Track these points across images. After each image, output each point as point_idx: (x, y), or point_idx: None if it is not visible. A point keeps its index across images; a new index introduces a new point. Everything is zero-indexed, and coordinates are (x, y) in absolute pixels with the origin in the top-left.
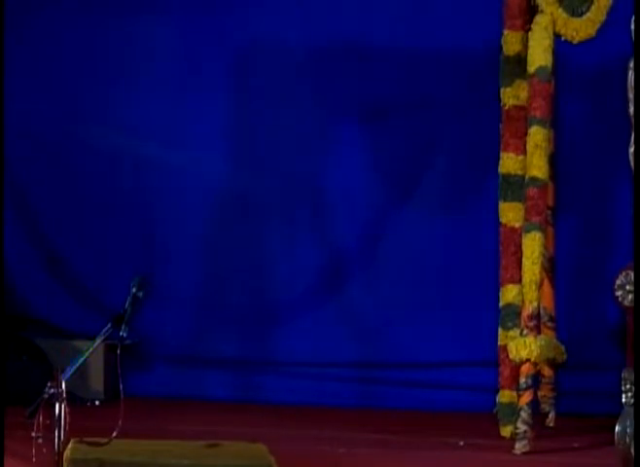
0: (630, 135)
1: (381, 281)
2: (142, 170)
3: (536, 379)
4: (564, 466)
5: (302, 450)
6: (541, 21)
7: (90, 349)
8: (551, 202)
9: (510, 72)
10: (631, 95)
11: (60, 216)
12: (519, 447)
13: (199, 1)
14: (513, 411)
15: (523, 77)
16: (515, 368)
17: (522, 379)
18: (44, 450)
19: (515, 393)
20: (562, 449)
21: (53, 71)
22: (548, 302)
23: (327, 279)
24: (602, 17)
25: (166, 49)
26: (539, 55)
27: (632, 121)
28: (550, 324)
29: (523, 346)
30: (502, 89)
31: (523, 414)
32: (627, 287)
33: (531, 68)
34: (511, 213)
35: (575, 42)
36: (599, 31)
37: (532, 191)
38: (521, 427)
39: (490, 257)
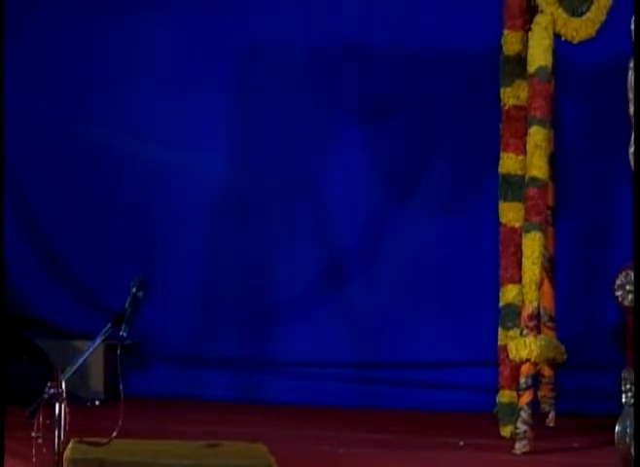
0: (630, 135)
1: (381, 281)
2: (142, 170)
3: (536, 379)
4: (564, 466)
5: (302, 450)
6: (541, 21)
7: (90, 349)
8: (550, 202)
9: (510, 72)
10: (631, 95)
11: (60, 216)
12: (519, 447)
13: (199, 1)
14: (513, 411)
15: (523, 77)
16: (515, 368)
17: (522, 379)
18: (44, 450)
19: (515, 393)
20: (562, 449)
21: (53, 71)
22: (548, 302)
23: (327, 279)
24: (602, 17)
25: (166, 49)
26: (539, 55)
27: (632, 121)
28: (550, 324)
29: (523, 346)
30: (502, 89)
31: (523, 414)
32: (627, 287)
33: (531, 68)
34: (511, 213)
35: (575, 42)
36: (599, 31)
37: (532, 191)
38: (521, 427)
39: (490, 257)
